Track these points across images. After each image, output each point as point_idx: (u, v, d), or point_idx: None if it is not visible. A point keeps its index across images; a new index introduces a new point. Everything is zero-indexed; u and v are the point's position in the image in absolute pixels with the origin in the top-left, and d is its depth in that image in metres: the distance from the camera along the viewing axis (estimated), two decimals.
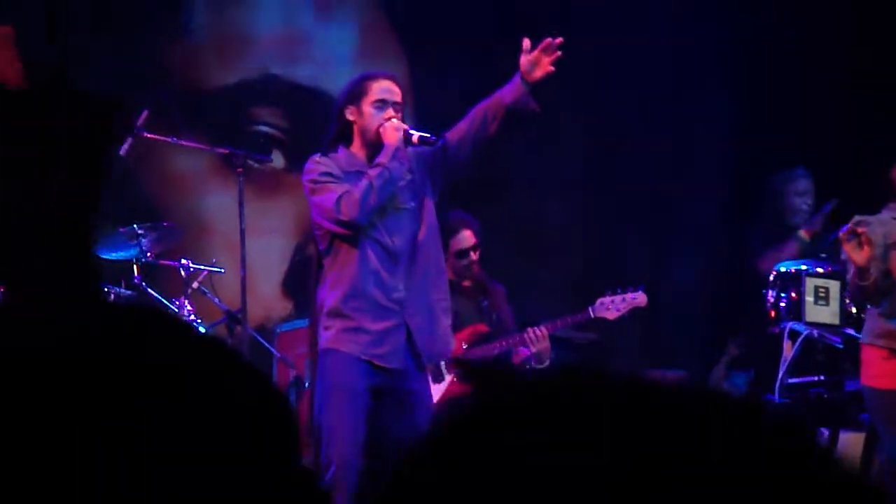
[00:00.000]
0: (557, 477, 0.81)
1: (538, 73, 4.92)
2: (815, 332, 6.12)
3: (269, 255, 7.81)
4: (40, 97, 1.25)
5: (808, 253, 6.69)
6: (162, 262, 6.60)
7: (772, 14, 8.08)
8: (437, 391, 5.87)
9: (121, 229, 6.29)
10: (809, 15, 7.92)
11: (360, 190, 4.87)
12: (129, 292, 6.29)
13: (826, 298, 6.14)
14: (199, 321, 6.39)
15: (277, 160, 7.73)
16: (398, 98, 5.03)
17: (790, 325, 6.15)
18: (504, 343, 6.19)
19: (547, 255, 7.97)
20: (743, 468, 0.82)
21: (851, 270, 5.38)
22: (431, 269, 5.04)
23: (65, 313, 0.93)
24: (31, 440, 0.84)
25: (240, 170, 5.92)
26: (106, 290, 6.08)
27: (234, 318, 6.36)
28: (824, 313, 6.13)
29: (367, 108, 4.98)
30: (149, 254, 6.44)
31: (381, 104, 4.98)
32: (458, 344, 6.08)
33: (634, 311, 6.20)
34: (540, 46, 4.91)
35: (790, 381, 6.14)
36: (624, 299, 6.15)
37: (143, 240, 6.35)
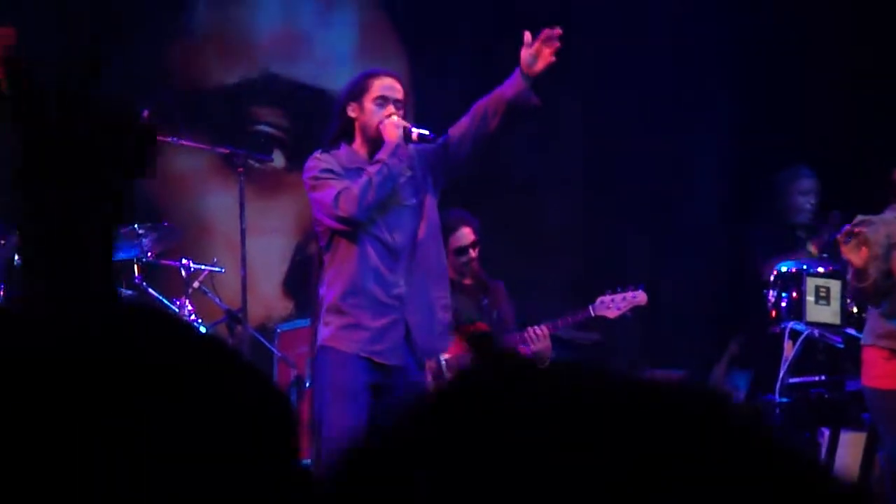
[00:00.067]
0: (557, 477, 0.81)
1: (540, 65, 4.92)
2: (816, 332, 6.11)
3: (270, 255, 7.81)
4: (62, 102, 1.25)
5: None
6: (162, 261, 6.60)
7: (772, 14, 8.08)
8: None
9: (121, 229, 6.28)
10: (809, 15, 7.91)
11: (358, 186, 4.88)
12: (129, 292, 6.29)
13: (827, 298, 6.13)
14: (199, 321, 6.38)
15: (278, 160, 7.73)
16: (400, 96, 5.03)
17: (791, 324, 6.14)
18: (504, 341, 6.18)
19: (547, 254, 7.96)
20: (742, 468, 0.82)
21: (850, 271, 5.37)
22: (432, 266, 5.05)
23: (65, 313, 0.93)
24: (31, 440, 0.84)
25: (240, 169, 5.92)
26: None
27: (235, 317, 6.36)
28: (825, 313, 6.13)
29: (369, 104, 5.00)
30: (149, 254, 6.44)
31: (383, 101, 4.99)
32: (458, 343, 6.08)
33: (635, 310, 6.19)
34: (540, 37, 4.91)
35: (791, 380, 6.14)
36: (624, 298, 6.15)
37: (144, 240, 6.35)
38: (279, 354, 6.80)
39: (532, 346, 6.09)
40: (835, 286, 6.13)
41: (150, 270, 6.56)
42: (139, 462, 0.84)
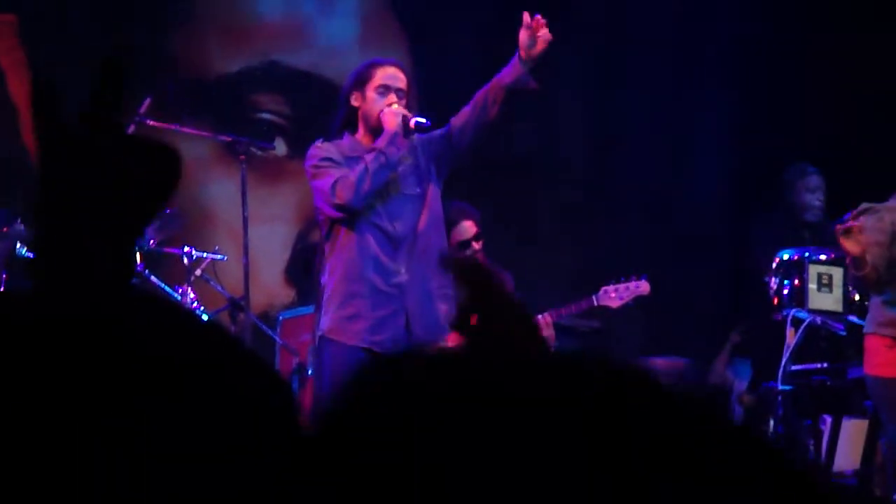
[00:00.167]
0: (556, 476, 0.81)
1: (539, 46, 4.90)
2: (819, 320, 6.10)
3: (272, 243, 7.82)
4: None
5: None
6: (165, 249, 6.60)
7: (772, 14, 8.07)
8: None
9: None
10: (810, 15, 7.90)
11: (355, 174, 4.89)
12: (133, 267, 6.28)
13: (829, 285, 6.13)
14: (201, 309, 6.39)
15: (280, 147, 7.73)
16: (402, 85, 5.04)
17: (793, 312, 6.13)
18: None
19: (550, 245, 7.97)
20: (742, 468, 0.82)
21: (848, 259, 5.37)
22: (434, 256, 5.05)
23: (64, 308, 0.92)
24: (31, 440, 0.84)
25: (242, 157, 5.92)
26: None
27: (237, 305, 6.36)
28: (827, 300, 6.12)
29: (371, 93, 5.01)
30: (151, 241, 6.44)
31: (385, 90, 5.00)
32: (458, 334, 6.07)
33: (638, 300, 6.20)
34: (534, 24, 4.88)
35: (793, 368, 6.13)
36: (627, 288, 6.16)
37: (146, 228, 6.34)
38: (281, 342, 6.80)
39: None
40: (837, 273, 6.12)
41: (152, 258, 6.56)
42: (139, 462, 0.84)
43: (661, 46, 8.03)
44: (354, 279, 4.93)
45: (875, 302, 5.44)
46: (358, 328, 4.91)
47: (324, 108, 5.46)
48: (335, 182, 4.90)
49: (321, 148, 5.03)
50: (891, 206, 5.41)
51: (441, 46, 7.85)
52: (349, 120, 5.07)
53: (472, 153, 5.15)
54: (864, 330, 5.47)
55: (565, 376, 0.86)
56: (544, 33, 4.88)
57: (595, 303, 6.16)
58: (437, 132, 5.10)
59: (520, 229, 7.83)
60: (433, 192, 5.10)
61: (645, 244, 7.94)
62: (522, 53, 4.91)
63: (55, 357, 0.87)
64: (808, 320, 6.08)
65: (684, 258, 7.88)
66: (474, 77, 5.32)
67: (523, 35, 4.91)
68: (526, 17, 4.91)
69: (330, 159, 4.98)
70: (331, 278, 4.98)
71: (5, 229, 5.95)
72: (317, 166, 4.99)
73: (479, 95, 5.00)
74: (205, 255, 6.60)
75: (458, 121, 5.04)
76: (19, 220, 5.96)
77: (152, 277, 6.42)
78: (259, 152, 7.18)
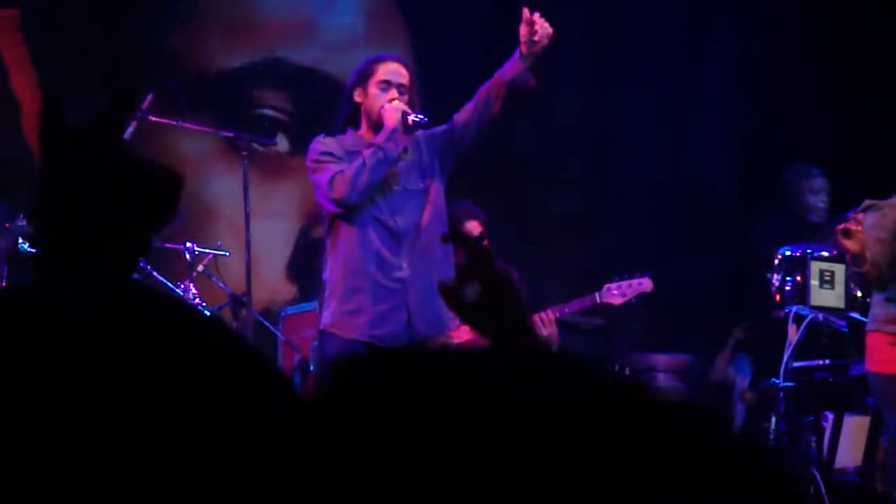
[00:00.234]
0: (557, 477, 0.81)
1: (541, 40, 4.86)
2: (821, 316, 6.10)
3: (274, 239, 7.82)
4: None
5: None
6: (167, 245, 6.59)
7: (772, 14, 8.06)
8: None
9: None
10: (810, 15, 7.90)
11: (352, 169, 4.90)
12: (134, 276, 6.28)
13: (831, 282, 6.12)
14: (203, 304, 6.39)
15: (282, 143, 7.73)
16: (404, 80, 5.04)
17: (795, 308, 6.13)
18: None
19: (553, 243, 7.96)
20: (741, 469, 0.82)
21: (848, 256, 5.37)
22: (436, 251, 5.04)
23: (66, 306, 0.92)
24: (31, 439, 0.84)
25: (244, 153, 5.91)
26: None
27: (239, 301, 6.36)
28: (829, 297, 6.12)
29: (373, 89, 5.02)
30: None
31: (386, 85, 5.01)
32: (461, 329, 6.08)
33: (640, 297, 6.21)
34: (533, 19, 4.87)
35: (795, 364, 6.13)
36: (630, 285, 6.17)
37: None
38: (283, 338, 6.80)
39: (540, 332, 6.10)
40: (839, 270, 6.11)
41: (154, 254, 6.56)
42: (139, 461, 0.84)
43: (661, 46, 8.03)
44: (356, 274, 4.93)
45: (877, 299, 5.43)
46: (359, 322, 4.91)
47: (326, 104, 5.46)
48: (332, 177, 4.91)
49: (322, 143, 5.04)
50: (894, 203, 5.41)
51: (444, 42, 7.85)
52: (352, 116, 5.08)
53: (475, 149, 5.16)
54: (866, 327, 5.47)
55: (566, 377, 0.86)
56: (544, 27, 4.87)
57: (598, 300, 6.17)
58: (441, 128, 5.10)
59: (521, 228, 7.83)
60: (436, 187, 5.10)
61: (646, 242, 7.94)
62: (524, 49, 4.90)
63: (56, 355, 0.86)
64: (809, 317, 6.07)
65: (686, 255, 7.87)
66: (478, 71, 5.33)
67: (523, 30, 4.90)
68: (525, 12, 4.91)
69: (330, 154, 4.99)
70: (332, 273, 4.99)
71: (7, 225, 5.95)
72: (317, 161, 5.00)
73: (482, 91, 5.01)
74: (207, 250, 6.59)
75: (461, 116, 5.05)
76: (21, 216, 5.97)
77: (154, 273, 6.42)
78: (261, 148, 7.18)
